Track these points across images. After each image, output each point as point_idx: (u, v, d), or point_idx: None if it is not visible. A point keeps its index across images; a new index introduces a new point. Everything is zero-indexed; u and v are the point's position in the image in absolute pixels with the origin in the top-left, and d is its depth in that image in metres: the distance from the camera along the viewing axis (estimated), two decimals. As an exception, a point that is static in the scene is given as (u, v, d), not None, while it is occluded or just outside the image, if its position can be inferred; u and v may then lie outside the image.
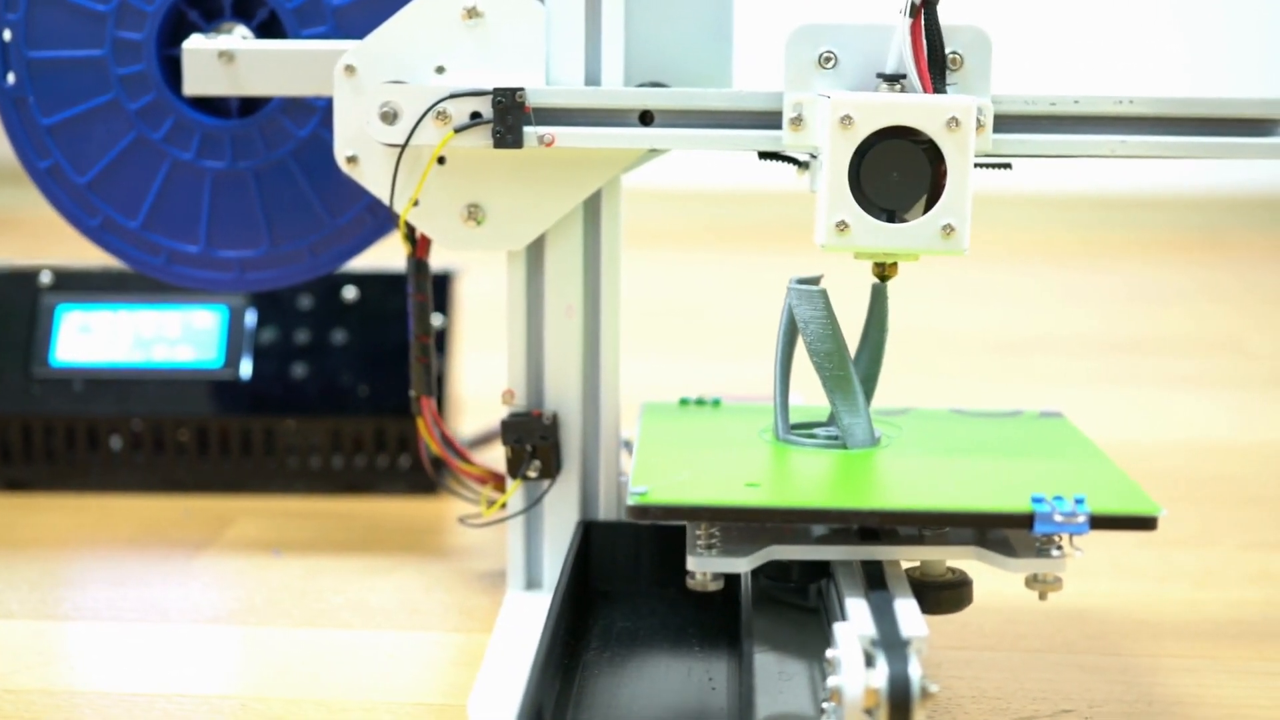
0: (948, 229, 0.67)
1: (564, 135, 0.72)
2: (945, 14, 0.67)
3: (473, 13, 0.74)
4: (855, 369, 0.72)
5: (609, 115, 0.72)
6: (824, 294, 0.71)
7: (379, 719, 0.69)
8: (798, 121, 0.69)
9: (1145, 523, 0.62)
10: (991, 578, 0.69)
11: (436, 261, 1.02)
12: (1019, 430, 0.76)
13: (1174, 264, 2.28)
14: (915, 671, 0.56)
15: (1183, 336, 1.68)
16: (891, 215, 0.67)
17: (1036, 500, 0.63)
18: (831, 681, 0.57)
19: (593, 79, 0.75)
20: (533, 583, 0.81)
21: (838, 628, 0.59)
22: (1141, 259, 2.32)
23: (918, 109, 0.66)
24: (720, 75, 0.80)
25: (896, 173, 0.67)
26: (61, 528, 0.96)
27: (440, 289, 1.04)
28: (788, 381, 0.74)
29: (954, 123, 0.66)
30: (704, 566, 0.66)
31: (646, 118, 0.72)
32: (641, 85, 0.78)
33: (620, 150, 0.75)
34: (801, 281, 0.71)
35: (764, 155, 0.73)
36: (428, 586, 0.85)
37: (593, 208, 0.78)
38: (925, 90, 0.67)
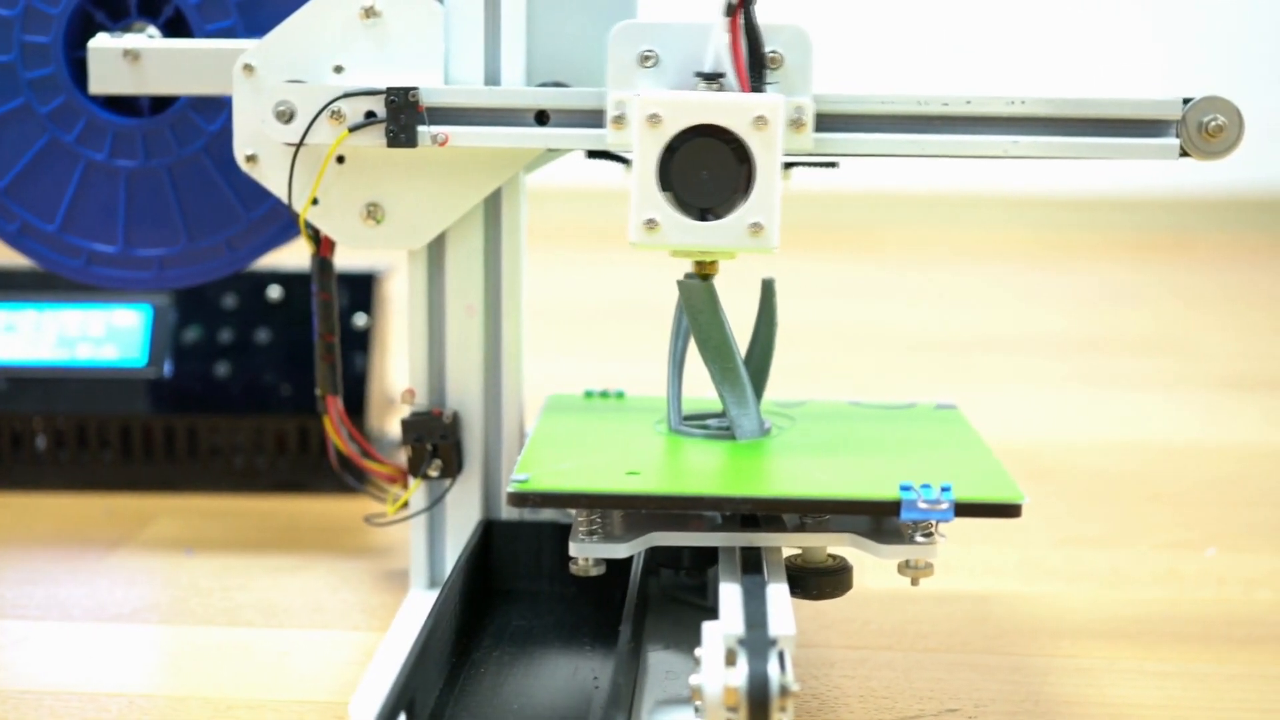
0: (755, 227, 0.67)
1: (458, 135, 0.72)
2: (764, 13, 0.67)
3: (370, 12, 0.74)
4: (746, 363, 0.73)
5: (504, 115, 0.72)
6: (711, 288, 0.71)
7: (264, 717, 0.69)
8: (620, 120, 0.69)
9: (1008, 510, 0.63)
10: (898, 578, 0.69)
11: (363, 262, 1.03)
12: (909, 422, 0.77)
13: (1139, 264, 2.28)
14: (775, 670, 0.56)
15: (1140, 337, 1.68)
16: (706, 214, 0.68)
17: (904, 488, 0.63)
18: (693, 680, 0.57)
19: (493, 79, 0.76)
20: (435, 582, 0.81)
21: (704, 626, 0.59)
22: (1107, 260, 2.31)
23: (723, 107, 0.66)
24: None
25: (706, 171, 0.67)
26: (-20, 526, 0.96)
27: (365, 289, 1.04)
28: (680, 373, 0.74)
29: (761, 121, 0.66)
30: (584, 552, 0.67)
31: (543, 117, 0.72)
32: (543, 85, 0.78)
33: (518, 149, 0.75)
34: (690, 276, 0.72)
35: (592, 154, 0.73)
36: (335, 586, 0.85)
37: (493, 207, 0.79)
38: (743, 89, 0.67)
